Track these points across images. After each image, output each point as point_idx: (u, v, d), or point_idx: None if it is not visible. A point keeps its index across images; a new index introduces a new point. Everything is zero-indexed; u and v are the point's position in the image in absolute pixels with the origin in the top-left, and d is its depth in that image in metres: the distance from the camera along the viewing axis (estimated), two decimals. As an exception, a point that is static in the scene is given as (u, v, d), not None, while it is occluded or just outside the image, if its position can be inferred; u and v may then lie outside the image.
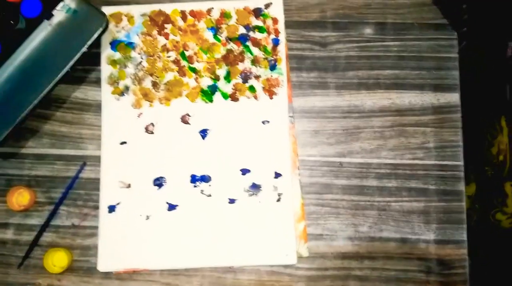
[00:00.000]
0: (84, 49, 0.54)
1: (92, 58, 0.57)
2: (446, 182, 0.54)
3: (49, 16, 0.55)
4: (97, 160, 0.55)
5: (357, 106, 0.56)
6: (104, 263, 0.53)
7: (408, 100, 0.56)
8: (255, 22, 0.58)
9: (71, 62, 0.53)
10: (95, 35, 0.54)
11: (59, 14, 0.55)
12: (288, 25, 0.58)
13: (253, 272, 0.53)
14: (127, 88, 0.57)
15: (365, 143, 0.55)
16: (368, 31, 0.57)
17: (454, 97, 0.56)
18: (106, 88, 0.57)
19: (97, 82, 0.57)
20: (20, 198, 0.55)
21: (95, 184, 0.55)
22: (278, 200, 0.54)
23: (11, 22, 0.54)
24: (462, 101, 0.55)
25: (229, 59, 0.57)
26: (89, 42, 0.54)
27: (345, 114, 0.56)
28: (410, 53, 0.57)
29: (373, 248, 0.53)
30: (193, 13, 0.58)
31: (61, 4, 0.55)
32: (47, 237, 0.54)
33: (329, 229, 0.54)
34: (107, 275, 0.53)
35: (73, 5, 0.55)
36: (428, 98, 0.56)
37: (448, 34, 0.57)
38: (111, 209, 0.54)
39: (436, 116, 0.55)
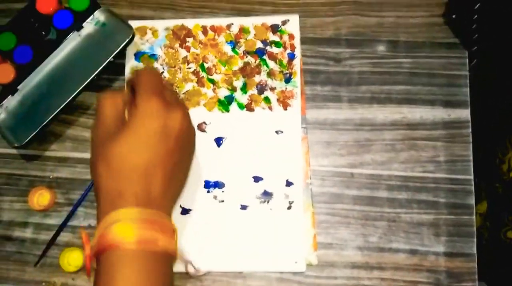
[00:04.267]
0: (110, 59, 0.57)
1: (117, 68, 0.60)
2: (457, 195, 0.55)
3: (79, 28, 0.58)
4: (116, 163, 0.57)
5: (369, 120, 0.57)
6: (117, 264, 0.55)
7: (420, 115, 0.57)
8: (272, 37, 0.61)
9: (97, 71, 0.56)
10: (121, 46, 0.57)
11: (88, 26, 0.59)
12: (303, 41, 0.60)
13: (263, 278, 0.54)
14: (147, 97, 0.60)
15: (376, 155, 0.56)
16: (381, 48, 0.59)
17: (464, 113, 0.57)
18: (128, 96, 0.60)
19: (120, 91, 0.60)
20: (41, 198, 0.57)
21: (113, 186, 0.57)
22: (289, 208, 0.55)
23: (43, 32, 0.58)
24: (473, 118, 0.57)
25: (246, 71, 0.60)
26: (115, 53, 0.57)
27: (357, 127, 0.57)
28: (421, 70, 0.58)
29: (383, 258, 0.53)
30: (213, 28, 0.61)
31: (91, 17, 0.58)
32: (64, 236, 0.56)
33: (339, 238, 0.54)
34: (120, 276, 0.54)
35: (102, 18, 0.59)
36: (439, 113, 0.57)
37: (459, 53, 0.59)
38: (127, 211, 0.56)
39: (446, 131, 0.56)
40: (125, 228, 0.37)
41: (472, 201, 0.54)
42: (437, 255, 0.53)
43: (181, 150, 0.43)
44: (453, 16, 0.58)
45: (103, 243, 0.37)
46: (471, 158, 0.56)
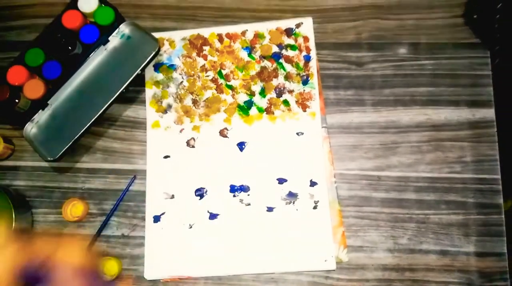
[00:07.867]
0: (137, 71, 0.58)
1: (142, 80, 0.61)
2: (485, 195, 0.55)
3: (105, 42, 0.60)
4: (146, 173, 0.59)
5: (394, 122, 0.58)
6: (150, 271, 0.56)
7: (444, 116, 0.57)
8: (287, 41, 0.61)
9: (126, 84, 0.57)
10: (149, 59, 0.58)
11: (114, 40, 0.60)
12: (325, 46, 0.61)
13: (295, 282, 0.54)
14: (169, 106, 0.61)
15: (403, 157, 0.57)
16: (402, 51, 0.60)
17: (489, 113, 0.57)
18: (150, 107, 0.61)
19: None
20: (74, 209, 0.58)
21: (144, 196, 0.58)
22: (315, 208, 0.56)
23: (69, 47, 0.59)
24: (497, 117, 0.57)
25: (264, 75, 0.61)
26: (143, 65, 0.58)
27: (382, 130, 0.58)
28: (444, 71, 0.59)
29: (414, 260, 0.54)
30: (229, 35, 0.62)
31: (116, 30, 0.60)
32: (98, 246, 0.57)
33: (369, 241, 0.55)
34: (154, 283, 0.56)
35: (127, 31, 0.60)
36: (463, 113, 0.57)
37: (481, 53, 0.59)
38: (156, 219, 0.57)
39: (472, 131, 0.57)
40: None
41: (500, 200, 0.55)
42: (467, 255, 0.53)
43: None
44: (474, 16, 0.58)
45: None
46: (498, 157, 0.56)
